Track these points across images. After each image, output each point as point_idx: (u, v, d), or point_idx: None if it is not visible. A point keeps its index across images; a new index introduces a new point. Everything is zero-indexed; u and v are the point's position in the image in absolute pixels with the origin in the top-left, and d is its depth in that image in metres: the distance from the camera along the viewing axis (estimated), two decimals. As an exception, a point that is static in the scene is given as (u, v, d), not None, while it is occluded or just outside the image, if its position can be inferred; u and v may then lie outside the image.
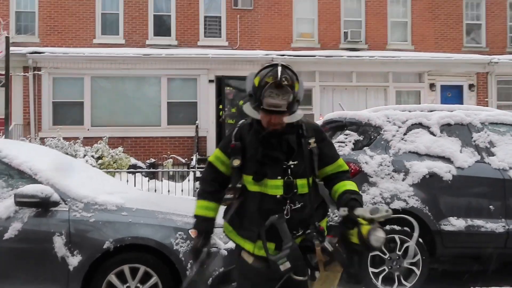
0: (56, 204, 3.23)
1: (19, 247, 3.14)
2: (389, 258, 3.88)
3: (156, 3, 12.74)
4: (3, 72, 8.23)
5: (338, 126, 4.43)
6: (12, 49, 8.44)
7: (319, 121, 5.07)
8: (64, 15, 12.33)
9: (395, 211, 3.90)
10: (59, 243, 3.15)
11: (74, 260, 3.13)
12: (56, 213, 3.22)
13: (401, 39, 13.54)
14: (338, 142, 4.21)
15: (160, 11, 12.77)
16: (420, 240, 3.91)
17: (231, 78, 12.05)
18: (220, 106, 11.51)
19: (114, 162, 9.16)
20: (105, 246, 3.15)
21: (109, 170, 8.38)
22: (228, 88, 10.99)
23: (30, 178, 3.30)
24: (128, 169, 9.22)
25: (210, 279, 3.31)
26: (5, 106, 7.11)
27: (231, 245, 3.50)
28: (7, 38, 6.97)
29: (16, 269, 3.13)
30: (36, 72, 10.90)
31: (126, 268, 3.19)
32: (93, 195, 3.36)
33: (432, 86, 12.77)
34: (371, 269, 3.85)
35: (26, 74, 10.76)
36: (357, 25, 13.29)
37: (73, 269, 3.12)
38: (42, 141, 9.89)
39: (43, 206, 3.19)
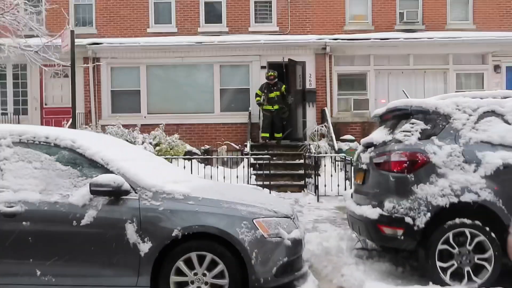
0: (127, 192, 3.35)
1: (94, 232, 3.30)
2: (458, 253, 3.71)
3: (207, -10, 12.81)
4: (65, 63, 8.67)
5: (403, 114, 4.24)
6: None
7: (379, 108, 4.90)
8: (119, 6, 12.73)
9: (465, 204, 3.73)
10: (130, 230, 3.28)
11: (145, 247, 3.26)
12: (127, 201, 3.34)
13: (462, 18, 12.74)
14: (404, 131, 4.04)
15: (211, -2, 12.84)
16: (493, 234, 3.70)
17: (282, 64, 11.96)
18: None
19: (171, 149, 9.44)
20: (173, 234, 3.25)
21: (166, 156, 8.64)
22: (269, 73, 10.90)
23: (102, 168, 3.45)
24: (184, 155, 9.45)
25: (275, 268, 3.34)
26: (72, 97, 7.48)
27: (294, 235, 3.50)
28: (72, 32, 7.29)
29: (92, 253, 3.29)
30: (96, 63, 11.38)
31: (193, 255, 3.28)
32: (161, 184, 3.45)
33: (496, 68, 11.96)
34: (439, 263, 3.70)
35: (88, 65, 11.26)
36: (413, 5, 12.65)
37: (144, 255, 3.25)
38: (103, 128, 10.38)
39: (115, 194, 3.33)
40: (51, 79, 11.69)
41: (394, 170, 3.90)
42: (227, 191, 3.92)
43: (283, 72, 11.56)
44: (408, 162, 3.86)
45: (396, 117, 4.39)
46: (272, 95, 10.89)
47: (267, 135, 10.94)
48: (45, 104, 12.15)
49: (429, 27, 12.53)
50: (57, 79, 11.29)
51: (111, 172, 3.42)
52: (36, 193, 3.39)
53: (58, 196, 3.38)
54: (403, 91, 5.42)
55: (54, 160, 3.52)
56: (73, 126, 7.71)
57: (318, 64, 11.84)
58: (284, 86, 11.07)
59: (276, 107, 10.90)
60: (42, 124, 11.65)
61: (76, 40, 9.31)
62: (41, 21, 11.40)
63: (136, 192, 3.38)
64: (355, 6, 12.74)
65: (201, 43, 11.72)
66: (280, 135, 10.98)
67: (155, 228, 3.28)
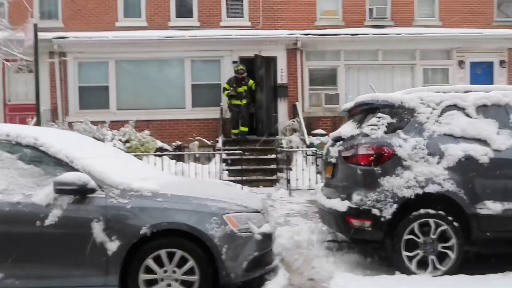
0: (93, 191, 3.29)
1: (60, 232, 3.22)
2: (423, 242, 3.83)
3: (178, -17, 12.65)
4: (29, 58, 8.37)
5: (370, 108, 4.32)
6: (38, 34, 8.54)
7: (348, 103, 4.98)
8: (86, -1, 12.39)
9: (429, 194, 3.85)
10: (97, 229, 3.22)
11: (112, 245, 3.21)
12: (94, 199, 3.28)
13: (429, 14, 13.07)
14: (371, 125, 4.12)
15: (181, -8, 12.68)
16: (456, 223, 3.83)
17: (255, 59, 11.96)
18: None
19: (141, 145, 9.30)
20: (142, 232, 3.21)
21: (136, 153, 8.51)
22: (238, 67, 10.95)
23: (67, 166, 3.36)
24: (155, 152, 9.33)
25: (245, 263, 3.35)
26: (36, 93, 7.23)
27: (264, 229, 3.52)
28: (35, 26, 7.05)
29: (57, 254, 3.22)
30: (62, 58, 11.05)
31: (163, 252, 3.26)
32: (128, 181, 3.40)
33: (461, 63, 12.35)
34: (404, 253, 3.81)
35: (54, 60, 10.91)
36: (383, 1, 12.89)
37: (112, 254, 3.20)
38: (70, 125, 10.11)
39: (81, 193, 3.26)
40: (15, 74, 11.27)
41: (362, 163, 3.98)
42: (197, 187, 3.91)
43: (254, 67, 11.54)
44: (374, 155, 3.94)
45: (364, 111, 4.47)
46: (240, 89, 10.86)
47: (237, 131, 10.92)
48: (9, 101, 11.71)
49: (397, 23, 12.79)
50: (21, 74, 10.89)
51: (76, 170, 3.34)
52: (-4, 193, 3.27)
53: (20, 196, 3.28)
54: (370, 85, 5.52)
55: (16, 159, 3.41)
56: (37, 123, 7.46)
57: (289, 59, 11.91)
58: (252, 81, 11.03)
59: (244, 101, 10.89)
60: (5, 121, 11.22)
61: (41, 34, 9.04)
62: (3, 14, 10.94)
63: (102, 190, 3.32)
64: (326, 2, 12.85)
65: (171, 37, 11.56)
66: (246, 129, 10.91)
67: (123, 226, 3.24)
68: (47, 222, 3.21)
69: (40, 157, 3.42)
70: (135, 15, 12.51)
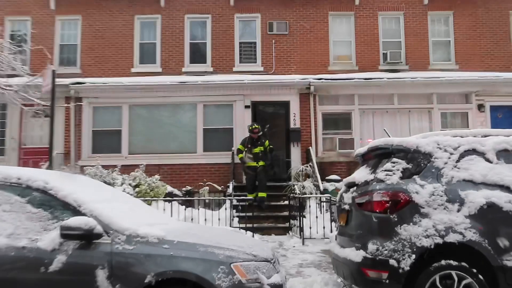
0: (99, 236, 3.28)
1: (63, 279, 3.19)
2: (445, 296, 3.66)
3: (192, 31, 13.22)
4: (45, 103, 8.66)
5: (385, 153, 4.31)
6: (56, 80, 8.90)
7: (364, 146, 4.97)
8: (104, 46, 12.98)
9: (450, 244, 3.73)
10: (101, 276, 3.18)
11: (116, 294, 3.14)
12: (99, 245, 3.27)
13: (444, 58, 13.30)
14: (385, 170, 4.08)
15: (195, 39, 13.21)
16: (481, 276, 3.67)
17: (267, 104, 12.16)
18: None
19: (151, 190, 9.31)
20: (146, 280, 3.15)
21: (146, 198, 8.52)
22: (253, 126, 10.59)
23: (75, 210, 3.39)
24: (164, 197, 9.33)
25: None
26: (50, 137, 7.42)
27: (274, 280, 3.43)
28: (53, 72, 7.35)
29: (60, 302, 3.17)
30: (78, 103, 11.41)
31: (167, 302, 3.17)
32: (135, 227, 3.39)
33: (480, 107, 12.32)
34: (427, 306, 3.64)
35: (69, 105, 11.27)
36: (397, 46, 13.19)
37: (115, 303, 3.13)
38: (82, 169, 10.25)
39: (87, 238, 3.25)
40: (31, 119, 11.64)
41: (377, 210, 3.91)
42: (205, 233, 3.86)
43: (266, 112, 11.70)
44: (390, 202, 3.87)
45: (378, 156, 4.46)
46: (256, 150, 10.37)
47: (254, 195, 10.08)
48: (24, 145, 12.03)
49: (412, 67, 12.99)
50: (37, 119, 11.22)
51: (84, 214, 3.36)
52: (3, 237, 3.30)
53: (26, 240, 3.29)
54: (385, 130, 5.53)
55: (25, 202, 3.46)
56: (50, 167, 7.61)
57: (302, 103, 12.07)
58: (268, 141, 10.58)
59: (261, 163, 10.31)
60: (19, 165, 11.46)
61: (58, 79, 9.40)
62: (25, 61, 11.48)
63: (108, 236, 3.31)
64: (339, 47, 13.21)
65: (184, 82, 11.90)
66: (264, 194, 10.17)
67: (127, 274, 3.19)
68: (51, 268, 3.19)
69: (49, 201, 3.46)
70: (150, 61, 13.01)
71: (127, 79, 12.12)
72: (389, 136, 4.80)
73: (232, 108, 12.03)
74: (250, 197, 9.72)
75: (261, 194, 10.15)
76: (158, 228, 3.51)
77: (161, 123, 12.04)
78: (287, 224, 9.64)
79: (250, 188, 10.21)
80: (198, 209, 8.59)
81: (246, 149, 10.42)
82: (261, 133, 10.58)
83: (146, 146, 11.86)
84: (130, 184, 9.31)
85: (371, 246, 3.86)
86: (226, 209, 8.92)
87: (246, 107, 11.93)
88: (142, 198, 7.92)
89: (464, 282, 3.67)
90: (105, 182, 8.40)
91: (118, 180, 9.41)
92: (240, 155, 10.45)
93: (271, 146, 10.61)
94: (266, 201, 10.21)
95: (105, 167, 9.91)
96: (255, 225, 8.78)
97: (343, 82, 12.00)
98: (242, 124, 11.78)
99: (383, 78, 12.07)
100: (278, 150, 11.54)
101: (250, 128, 10.54)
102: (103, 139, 11.89)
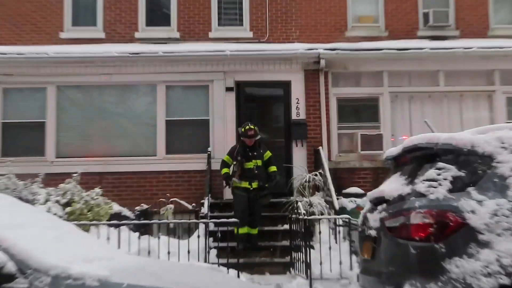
0: (10, 278, 3.22)
1: None
2: None
3: (149, -21, 13.15)
4: None
5: (427, 155, 4.33)
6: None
7: (397, 146, 4.97)
8: (20, 0, 12.83)
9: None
10: None
11: None
12: (11, 292, 3.23)
13: (510, 20, 13.41)
14: (428, 180, 4.09)
15: (155, -9, 13.16)
16: None
17: (258, 85, 12.15)
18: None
19: (89, 211, 9.27)
20: None
21: (82, 222, 8.47)
22: (247, 126, 10.00)
23: (-25, 240, 3.35)
24: (109, 220, 9.29)
25: None
26: None
27: None
28: None
29: None
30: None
31: None
32: (65, 264, 3.36)
33: None
34: None
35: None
36: (443, 3, 13.27)
37: None
38: (-14, 180, 10.12)
39: (-7, 281, 3.21)
40: None
41: (416, 238, 3.92)
42: (166, 272, 3.86)
43: (256, 97, 11.70)
44: (435, 226, 3.88)
45: (417, 159, 4.48)
46: (249, 164, 9.85)
47: (245, 231, 9.70)
48: None
49: (465, 33, 13.10)
50: None
51: (-13, 246, 3.31)
52: None
53: None
54: (426, 122, 5.56)
55: None
56: None
57: (309, 85, 12.10)
58: (269, 152, 10.21)
59: (255, 184, 9.76)
60: None
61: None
62: None
63: (25, 277, 3.27)
64: (361, 4, 13.29)
65: (138, 54, 11.84)
66: (255, 231, 9.89)
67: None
68: None
69: None
70: (88, 23, 12.99)
71: (54, 48, 12.03)
72: (433, 131, 4.81)
73: (208, 91, 12.03)
74: (241, 232, 9.30)
75: (254, 232, 9.89)
76: (100, 266, 3.49)
77: (104, 113, 11.98)
78: (287, 259, 9.64)
79: (240, 218, 9.29)
80: (159, 238, 8.57)
81: (235, 163, 9.82)
82: (258, 137, 10.09)
83: (82, 146, 11.78)
84: (58, 202, 9.26)
85: (409, 290, 3.87)
86: (199, 237, 8.87)
87: (228, 89, 11.94)
88: (77, 222, 7.85)
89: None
90: (20, 198, 8.31)
91: (41, 195, 9.35)
92: (225, 170, 9.94)
93: (274, 170, 10.09)
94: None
95: (21, 176, 9.81)
96: (241, 260, 8.74)
97: (367, 53, 12.04)
98: (222, 114, 11.75)
99: (424, 49, 12.13)
100: (274, 152, 11.46)
101: (243, 130, 10.02)
102: (18, 136, 11.81)
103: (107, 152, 11.73)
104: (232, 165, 9.86)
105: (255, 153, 9.98)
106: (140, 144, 11.92)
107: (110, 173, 11.53)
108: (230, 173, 9.84)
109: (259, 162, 9.95)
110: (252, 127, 9.92)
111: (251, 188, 9.78)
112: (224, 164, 10.04)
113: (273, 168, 10.13)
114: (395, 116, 12.34)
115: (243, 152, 9.91)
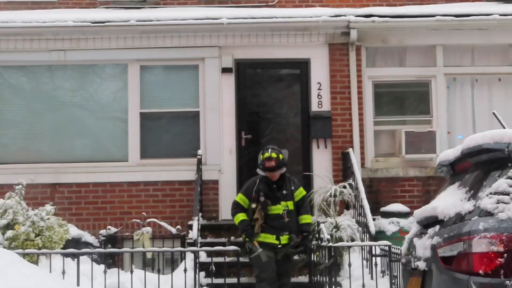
0: None
1: None
2: None
3: None
4: None
5: (495, 159, 4.37)
6: None
7: (455, 147, 5.00)
8: None
9: None
10: None
11: None
12: None
13: None
14: (497, 193, 4.11)
15: None
16: None
17: (265, 65, 12.21)
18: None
19: (37, 236, 9.31)
20: None
21: (28, 251, 8.51)
22: (266, 153, 8.92)
23: None
24: (65, 248, 9.33)
25: None
26: None
27: None
28: None
29: None
30: None
31: None
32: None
33: None
34: None
35: None
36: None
37: None
38: None
39: None
40: None
41: (480, 272, 3.94)
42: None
43: (265, 82, 11.73)
44: (506, 255, 3.91)
45: (482, 165, 4.51)
46: (277, 209, 8.91)
47: None
48: None
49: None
50: None
51: None
52: None
53: None
54: (494, 114, 5.57)
55: None
56: None
57: (334, 64, 12.14)
58: (302, 189, 9.43)
59: (284, 239, 8.84)
60: None
61: None
62: None
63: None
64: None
65: (104, 23, 11.87)
66: None
67: None
68: None
69: None
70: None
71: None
72: (504, 127, 4.84)
73: (198, 73, 12.10)
74: None
75: None
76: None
77: (57, 104, 12.06)
78: (305, 300, 9.67)
79: (269, 279, 8.76)
80: (132, 272, 8.61)
81: (254, 205, 8.93)
82: (283, 168, 9.12)
83: (27, 149, 11.91)
84: (-5, 223, 9.32)
85: None
86: (186, 270, 8.90)
87: (225, 71, 12.01)
88: (21, 251, 7.90)
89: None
90: None
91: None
92: (241, 217, 8.95)
93: (308, 221, 9.18)
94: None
95: None
96: (243, 302, 8.79)
97: (414, 21, 12.06)
98: (216, 105, 11.80)
99: (492, 14, 12.11)
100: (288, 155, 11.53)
101: (262, 157, 9.04)
102: None
103: (60, 156, 11.80)
104: (249, 209, 8.93)
105: (283, 192, 9.05)
106: (106, 146, 11.99)
107: (65, 185, 11.57)
108: (248, 221, 8.87)
109: (290, 205, 8.99)
110: (273, 155, 8.86)
111: (279, 245, 8.80)
112: (238, 207, 9.03)
113: (307, 219, 9.08)
114: (453, 106, 12.38)
115: (266, 190, 8.95)
